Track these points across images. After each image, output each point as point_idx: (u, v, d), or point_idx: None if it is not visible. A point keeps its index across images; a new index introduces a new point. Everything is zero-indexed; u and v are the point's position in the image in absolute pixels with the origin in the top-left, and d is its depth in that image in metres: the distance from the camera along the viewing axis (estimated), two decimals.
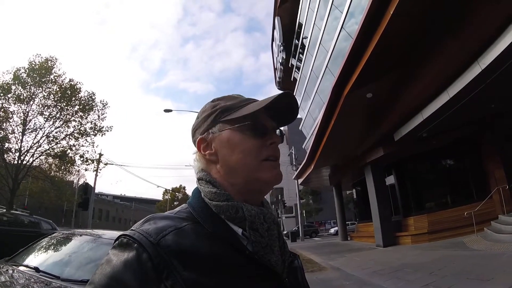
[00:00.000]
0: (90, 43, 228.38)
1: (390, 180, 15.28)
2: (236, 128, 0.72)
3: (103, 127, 21.68)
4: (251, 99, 0.77)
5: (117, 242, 0.61)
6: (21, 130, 19.86)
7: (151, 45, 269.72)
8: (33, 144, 20.16)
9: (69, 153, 20.91)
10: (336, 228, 30.22)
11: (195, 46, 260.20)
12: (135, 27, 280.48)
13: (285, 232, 32.92)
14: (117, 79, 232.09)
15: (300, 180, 25.19)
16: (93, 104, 21.50)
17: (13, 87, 19.45)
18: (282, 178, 0.74)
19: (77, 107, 20.97)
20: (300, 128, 24.74)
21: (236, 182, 0.70)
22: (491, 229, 10.02)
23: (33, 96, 20.05)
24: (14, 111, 19.80)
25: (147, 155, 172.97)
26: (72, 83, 20.94)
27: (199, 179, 0.74)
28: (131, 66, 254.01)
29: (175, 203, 60.69)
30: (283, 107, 0.76)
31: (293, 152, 31.22)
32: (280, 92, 0.72)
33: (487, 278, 5.75)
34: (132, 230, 0.62)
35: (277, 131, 0.77)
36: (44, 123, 20.47)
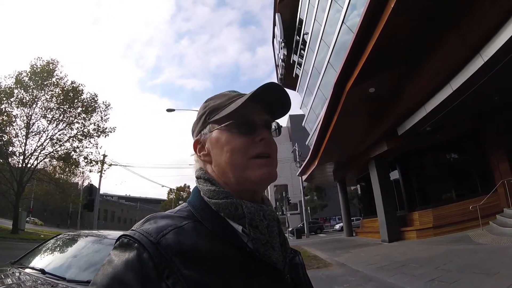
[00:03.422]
0: (84, 43, 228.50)
1: (395, 175, 15.20)
2: (223, 127, 0.71)
3: (106, 128, 21.76)
4: (240, 95, 0.75)
5: (118, 242, 0.61)
6: (24, 134, 19.96)
7: (145, 42, 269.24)
8: (37, 147, 20.29)
9: (73, 155, 20.99)
10: (341, 224, 30.21)
11: (190, 42, 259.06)
12: (128, 25, 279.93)
13: (290, 229, 32.94)
14: (113, 79, 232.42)
15: (304, 177, 25.14)
16: (96, 105, 21.54)
17: (16, 91, 19.49)
18: (277, 175, 0.71)
19: (80, 109, 21.00)
20: (303, 124, 24.73)
21: (229, 182, 0.70)
22: (497, 222, 9.98)
23: (36, 99, 20.08)
24: (17, 114, 19.90)
25: (149, 155, 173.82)
26: (74, 85, 20.94)
27: (197, 178, 0.74)
28: (126, 64, 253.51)
29: (180, 202, 60.80)
30: (274, 99, 0.74)
31: (297, 148, 31.17)
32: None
33: (493, 272, 5.72)
34: (132, 230, 0.61)
35: (274, 124, 0.76)
36: (48, 126, 20.56)
